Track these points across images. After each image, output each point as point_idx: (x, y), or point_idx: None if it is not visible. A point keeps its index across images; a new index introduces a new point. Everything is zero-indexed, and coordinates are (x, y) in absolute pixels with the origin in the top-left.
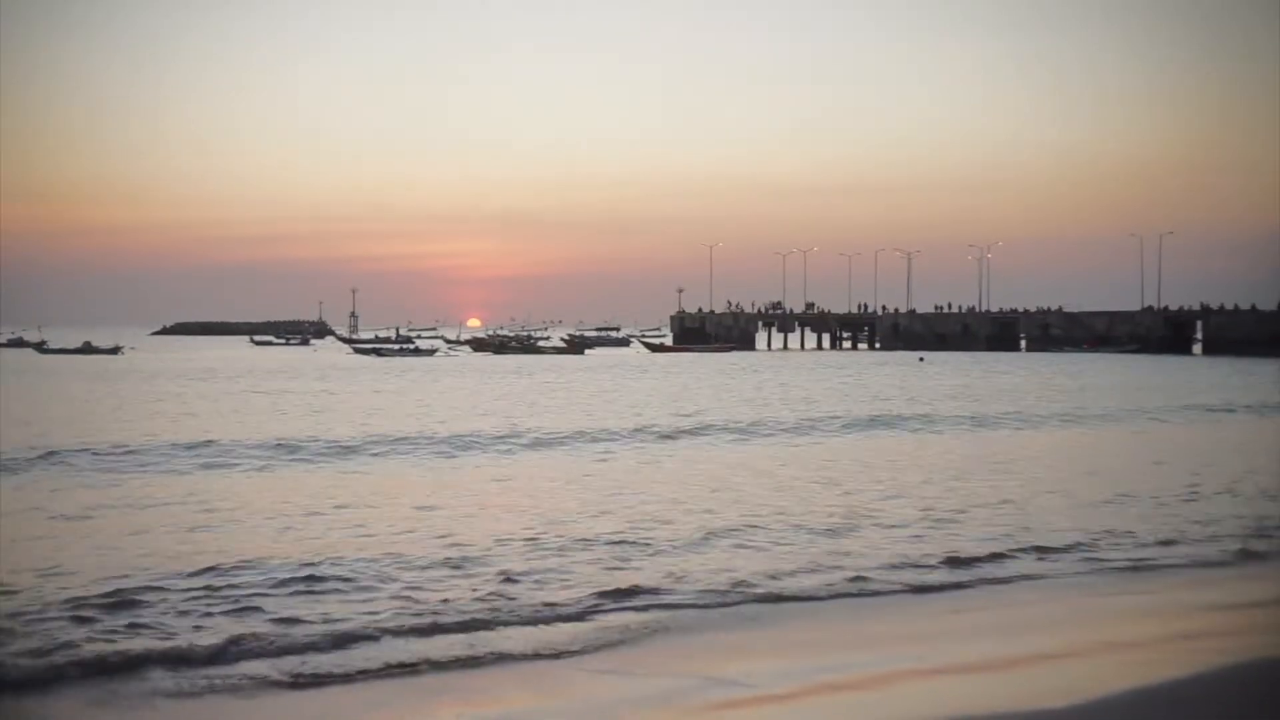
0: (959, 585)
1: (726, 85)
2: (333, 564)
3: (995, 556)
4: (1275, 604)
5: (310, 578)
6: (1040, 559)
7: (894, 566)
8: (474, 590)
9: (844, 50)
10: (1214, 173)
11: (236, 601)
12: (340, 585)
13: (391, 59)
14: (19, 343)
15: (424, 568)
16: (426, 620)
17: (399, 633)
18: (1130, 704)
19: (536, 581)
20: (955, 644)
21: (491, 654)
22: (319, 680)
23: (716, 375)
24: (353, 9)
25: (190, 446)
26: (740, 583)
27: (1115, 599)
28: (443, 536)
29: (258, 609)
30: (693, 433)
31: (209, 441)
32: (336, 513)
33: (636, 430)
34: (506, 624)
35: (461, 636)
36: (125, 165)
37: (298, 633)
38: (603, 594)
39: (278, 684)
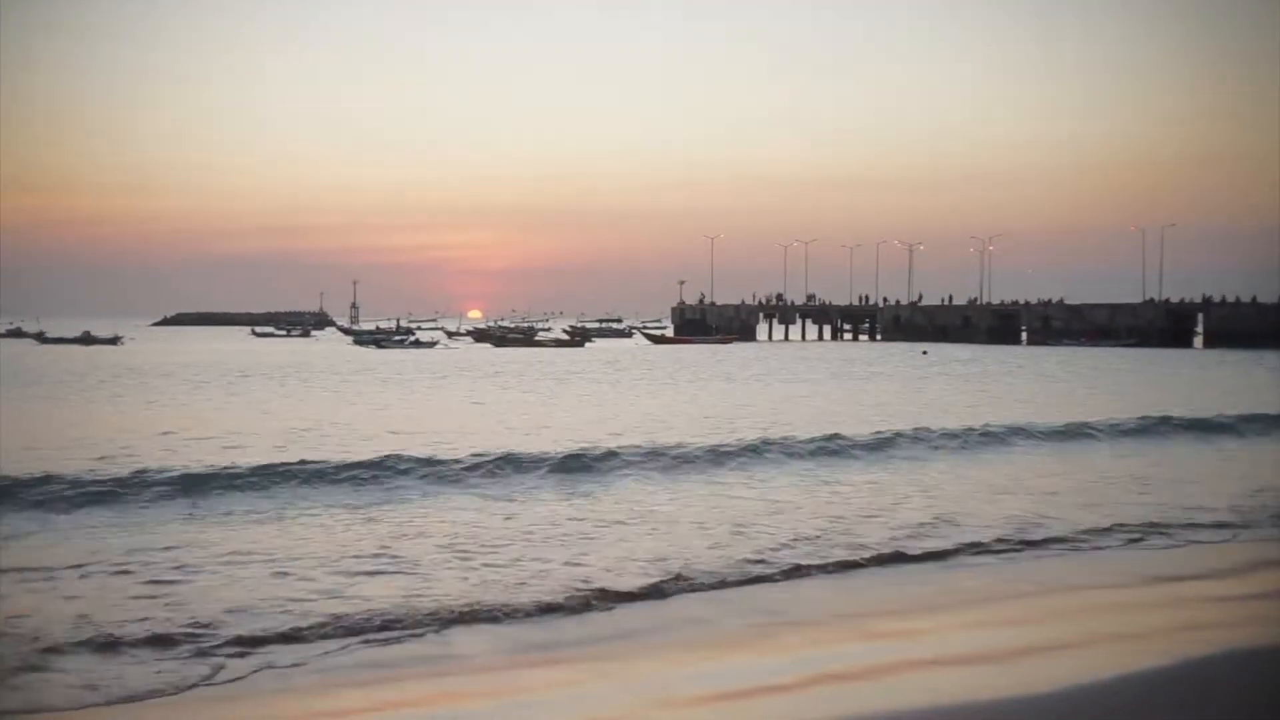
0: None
1: (728, 77)
2: None
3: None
4: (1262, 597)
5: None
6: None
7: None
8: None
9: (847, 43)
10: (1216, 165)
11: None
12: None
13: (392, 50)
14: (18, 333)
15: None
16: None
17: None
18: (1116, 691)
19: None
20: (950, 635)
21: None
22: None
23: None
24: (354, 3)
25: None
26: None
27: (1110, 591)
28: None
29: None
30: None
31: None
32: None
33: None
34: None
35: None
36: (126, 156)
37: None
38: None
39: None
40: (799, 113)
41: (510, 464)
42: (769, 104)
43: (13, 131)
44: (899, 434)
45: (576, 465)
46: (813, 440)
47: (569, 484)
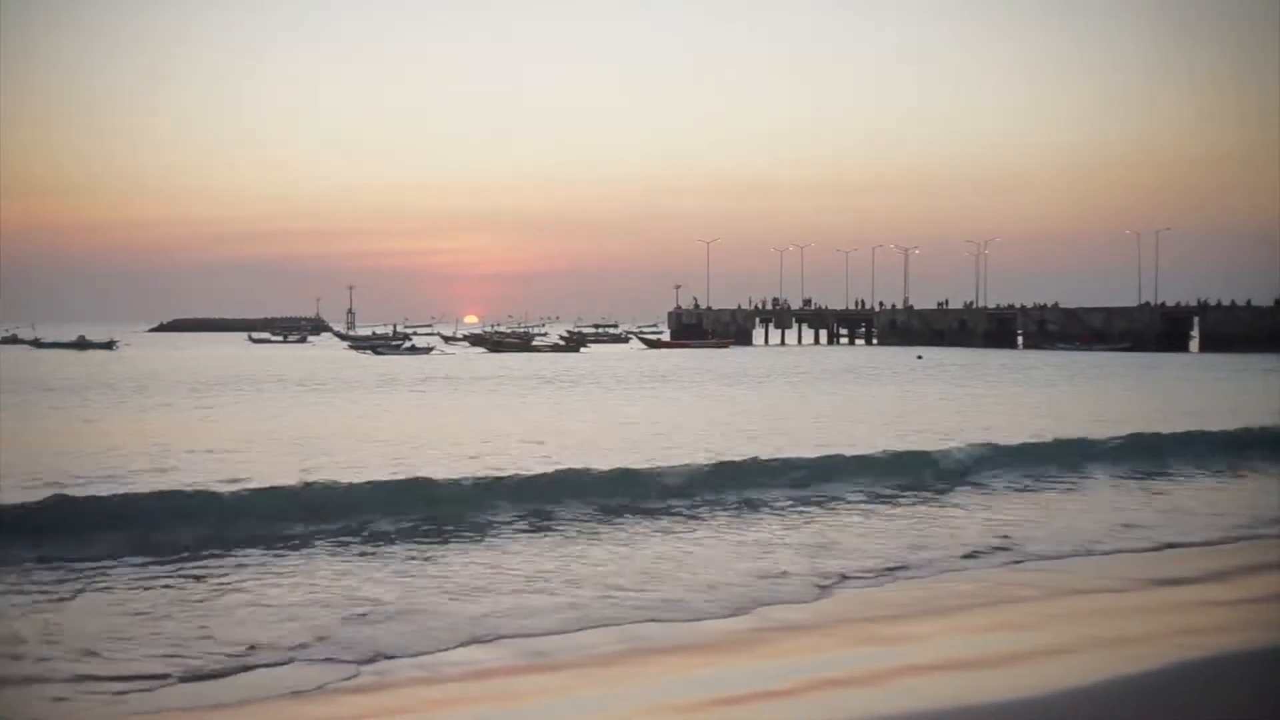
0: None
1: (724, 82)
2: None
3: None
4: (1259, 600)
5: None
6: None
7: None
8: None
9: (842, 47)
10: (1211, 169)
11: None
12: None
13: (389, 56)
14: (13, 340)
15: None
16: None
17: None
18: (1113, 694)
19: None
20: (948, 640)
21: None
22: None
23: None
24: (351, 5)
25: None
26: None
27: (1108, 596)
28: None
29: None
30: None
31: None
32: None
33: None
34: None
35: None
36: (123, 161)
37: None
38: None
39: None
40: (795, 118)
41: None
42: (765, 109)
43: (8, 136)
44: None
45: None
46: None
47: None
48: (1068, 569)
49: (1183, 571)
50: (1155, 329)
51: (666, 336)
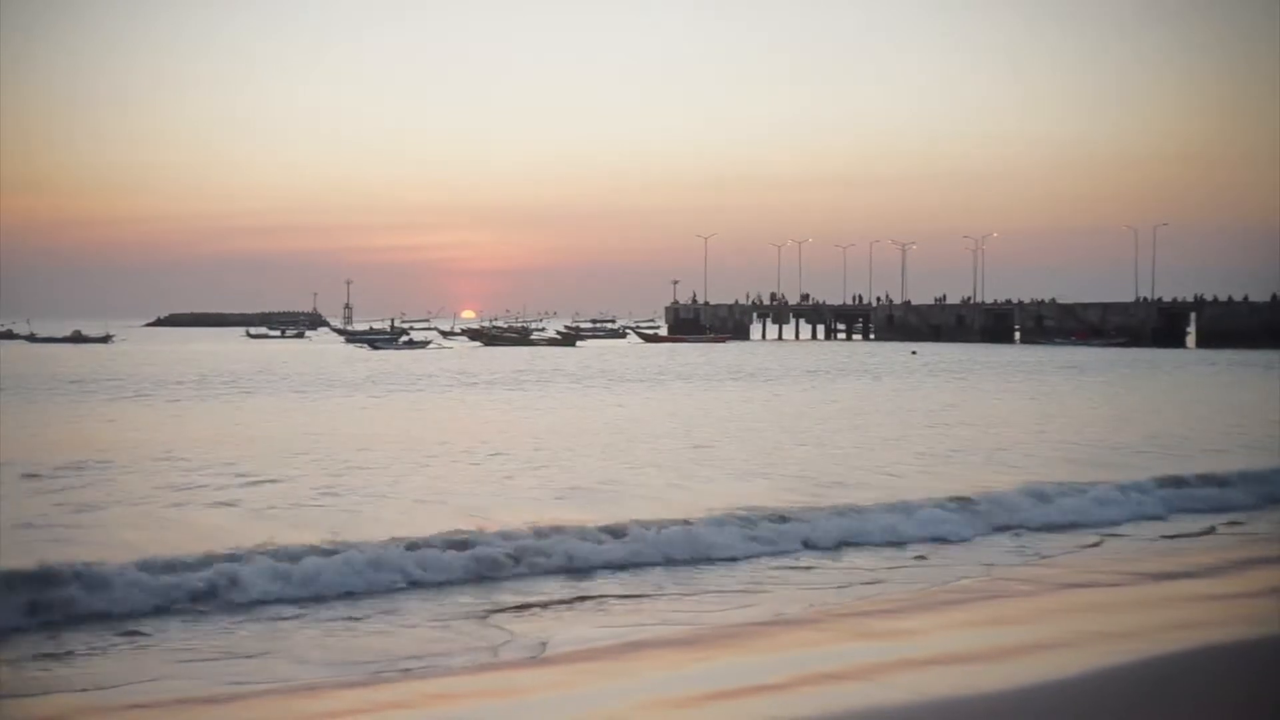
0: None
1: (723, 77)
2: None
3: None
4: (1249, 595)
5: None
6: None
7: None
8: None
9: (839, 42)
10: (1209, 165)
11: None
12: None
13: (388, 51)
14: (9, 335)
15: None
16: None
17: None
18: (1100, 685)
19: None
20: (942, 634)
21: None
22: None
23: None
24: (348, 1)
25: None
26: None
27: (1101, 591)
28: None
29: None
30: None
31: None
32: None
33: None
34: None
35: None
36: (120, 156)
37: None
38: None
39: None
40: (792, 112)
41: None
42: (762, 104)
43: (9, 131)
44: None
45: None
46: None
47: None
48: (1063, 564)
49: (1177, 566)
50: (1152, 324)
51: (664, 332)
